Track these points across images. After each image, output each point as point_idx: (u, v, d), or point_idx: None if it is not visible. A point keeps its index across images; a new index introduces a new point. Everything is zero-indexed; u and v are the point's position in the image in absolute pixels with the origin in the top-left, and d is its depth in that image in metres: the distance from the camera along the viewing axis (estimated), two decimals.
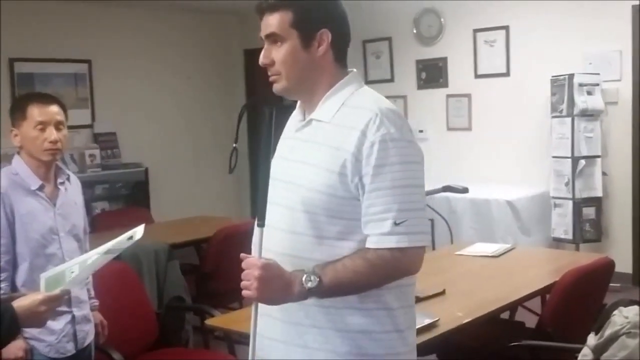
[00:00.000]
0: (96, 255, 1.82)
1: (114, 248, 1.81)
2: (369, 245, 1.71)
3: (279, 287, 1.68)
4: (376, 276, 1.71)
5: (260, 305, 1.72)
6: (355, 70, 1.87)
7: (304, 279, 1.67)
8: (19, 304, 1.79)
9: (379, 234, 1.69)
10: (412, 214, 1.70)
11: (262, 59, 1.81)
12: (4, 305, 1.79)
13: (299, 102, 1.90)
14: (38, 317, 1.81)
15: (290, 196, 1.78)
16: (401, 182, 1.69)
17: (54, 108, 2.73)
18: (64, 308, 2.70)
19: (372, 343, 1.76)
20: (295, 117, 1.91)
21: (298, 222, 1.76)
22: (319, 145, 1.77)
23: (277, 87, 1.82)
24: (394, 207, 1.68)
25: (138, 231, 1.84)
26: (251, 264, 1.68)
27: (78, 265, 1.86)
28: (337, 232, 1.74)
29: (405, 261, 1.72)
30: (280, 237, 1.78)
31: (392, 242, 1.68)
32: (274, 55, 1.79)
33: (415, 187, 1.72)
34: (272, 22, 1.77)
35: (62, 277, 1.86)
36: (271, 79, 1.82)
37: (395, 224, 1.68)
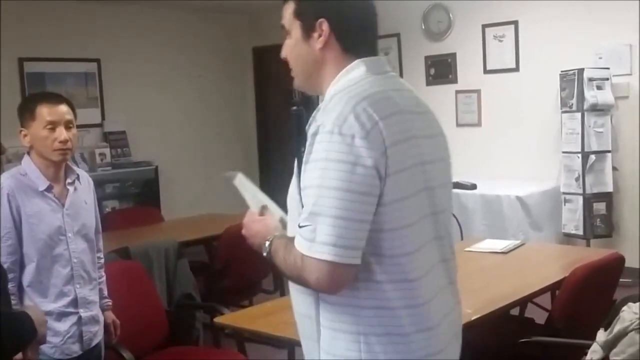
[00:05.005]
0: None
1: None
2: None
3: (257, 235, 1.71)
4: (293, 278, 1.60)
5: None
6: (359, 60, 1.65)
7: (265, 244, 1.66)
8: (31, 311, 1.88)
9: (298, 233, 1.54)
10: (321, 220, 1.47)
11: (281, 53, 1.74)
12: (23, 312, 1.86)
13: None
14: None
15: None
16: (317, 181, 1.49)
17: (63, 107, 2.71)
18: (70, 309, 2.70)
19: (378, 346, 1.58)
20: None
21: (293, 226, 1.64)
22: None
23: (294, 83, 1.74)
24: (307, 208, 1.50)
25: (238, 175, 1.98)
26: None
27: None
28: None
29: (304, 271, 1.51)
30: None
31: (297, 244, 1.53)
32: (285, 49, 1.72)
33: (332, 190, 1.47)
34: (284, 12, 1.70)
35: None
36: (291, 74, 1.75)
37: (299, 226, 1.51)
